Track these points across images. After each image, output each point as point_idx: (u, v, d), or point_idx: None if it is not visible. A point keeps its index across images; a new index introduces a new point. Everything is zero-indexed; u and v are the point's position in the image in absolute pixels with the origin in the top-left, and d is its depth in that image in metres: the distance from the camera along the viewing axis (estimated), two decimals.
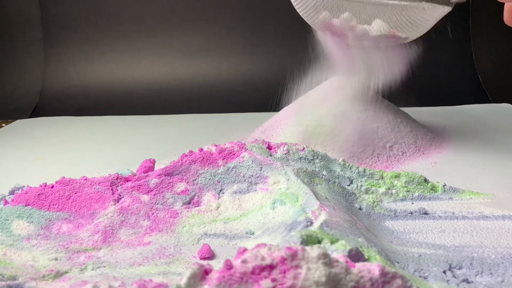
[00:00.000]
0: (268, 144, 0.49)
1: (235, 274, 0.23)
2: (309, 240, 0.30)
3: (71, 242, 0.37)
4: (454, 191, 0.46)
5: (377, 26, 0.51)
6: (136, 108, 0.90)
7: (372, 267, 0.25)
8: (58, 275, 0.33)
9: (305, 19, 0.54)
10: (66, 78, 1.03)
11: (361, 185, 0.46)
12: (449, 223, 0.40)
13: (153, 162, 0.48)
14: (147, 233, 0.39)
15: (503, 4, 0.42)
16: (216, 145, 0.47)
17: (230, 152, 0.46)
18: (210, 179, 0.44)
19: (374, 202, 0.44)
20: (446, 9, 0.49)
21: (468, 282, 0.31)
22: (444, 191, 0.46)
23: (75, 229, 0.39)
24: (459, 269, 0.33)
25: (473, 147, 0.60)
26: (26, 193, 0.41)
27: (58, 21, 1.04)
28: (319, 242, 0.30)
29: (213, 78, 1.01)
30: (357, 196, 0.44)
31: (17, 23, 1.05)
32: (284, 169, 0.43)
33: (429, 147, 0.58)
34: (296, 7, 0.53)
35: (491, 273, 0.32)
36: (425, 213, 0.42)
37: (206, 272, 0.24)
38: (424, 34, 0.53)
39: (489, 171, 0.51)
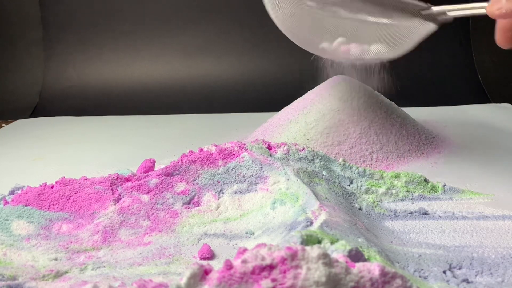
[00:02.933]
0: (268, 144, 0.49)
1: (235, 274, 0.23)
2: (309, 240, 0.30)
3: (71, 242, 0.37)
4: (454, 191, 0.46)
5: (375, 49, 0.50)
6: (136, 108, 0.90)
7: (372, 267, 0.25)
8: (58, 275, 0.33)
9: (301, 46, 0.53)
10: (66, 78, 1.03)
11: (361, 185, 0.46)
12: (449, 223, 0.40)
13: (153, 162, 0.48)
14: (147, 233, 0.39)
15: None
16: (216, 145, 0.47)
17: (230, 152, 0.46)
18: (210, 179, 0.44)
19: (374, 202, 0.44)
20: (431, 28, 0.47)
21: (468, 282, 0.31)
22: (444, 191, 0.46)
23: (75, 229, 0.39)
24: (459, 269, 0.33)
25: (473, 147, 0.60)
26: (26, 193, 0.41)
27: (58, 21, 1.04)
28: (319, 242, 0.30)
29: (213, 78, 1.01)
30: (357, 196, 0.44)
31: (17, 23, 1.05)
32: (284, 169, 0.43)
33: (429, 147, 0.58)
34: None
35: (491, 273, 0.32)
36: (425, 213, 0.42)
37: (206, 272, 0.24)
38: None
39: (489, 171, 0.51)
